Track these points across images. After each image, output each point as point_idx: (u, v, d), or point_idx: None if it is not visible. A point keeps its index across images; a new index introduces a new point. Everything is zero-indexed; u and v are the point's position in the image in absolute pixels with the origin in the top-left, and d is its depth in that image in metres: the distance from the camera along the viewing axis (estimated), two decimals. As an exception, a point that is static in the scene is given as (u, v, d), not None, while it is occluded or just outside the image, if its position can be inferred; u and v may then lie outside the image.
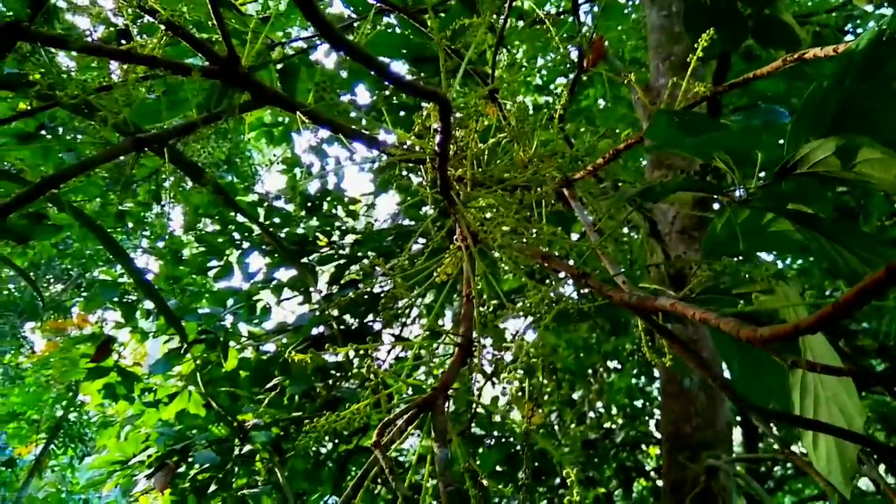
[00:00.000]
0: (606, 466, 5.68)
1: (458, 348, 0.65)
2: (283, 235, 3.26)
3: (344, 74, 3.81)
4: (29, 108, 1.07)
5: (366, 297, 2.99)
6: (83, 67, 0.98)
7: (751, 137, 0.59)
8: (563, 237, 0.83)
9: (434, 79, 2.06)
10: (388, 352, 3.27)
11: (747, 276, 0.69)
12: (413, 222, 3.29)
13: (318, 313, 2.78)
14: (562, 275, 0.84)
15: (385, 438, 0.55)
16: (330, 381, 2.56)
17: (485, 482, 0.72)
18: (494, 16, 1.52)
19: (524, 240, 0.83)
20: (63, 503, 11.13)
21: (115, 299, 2.72)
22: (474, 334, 0.66)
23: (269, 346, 3.28)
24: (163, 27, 0.87)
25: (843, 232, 0.58)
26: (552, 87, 6.05)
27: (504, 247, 0.70)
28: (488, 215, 1.08)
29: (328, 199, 3.32)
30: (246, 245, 3.49)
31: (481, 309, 0.74)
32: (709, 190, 0.73)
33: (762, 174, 0.71)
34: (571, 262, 0.78)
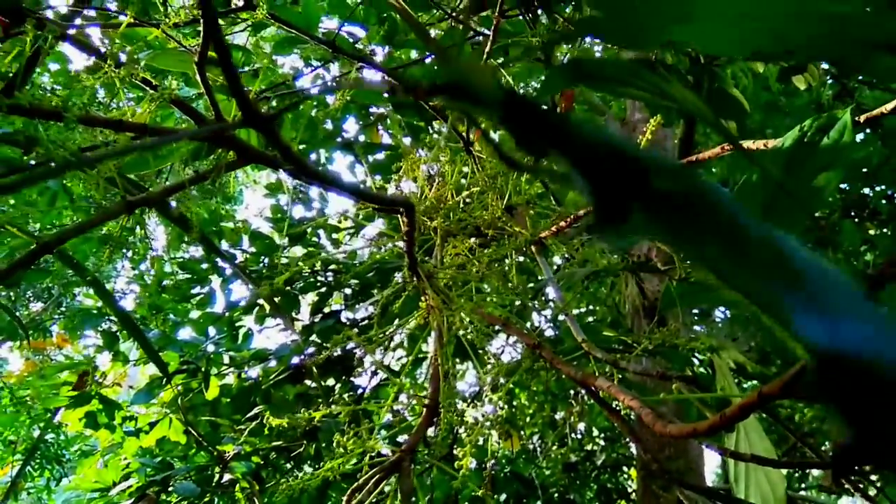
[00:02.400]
0: (588, 489, 5.70)
1: (426, 409, 0.70)
2: (265, 263, 3.30)
3: (331, 99, 3.85)
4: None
5: (348, 323, 3.03)
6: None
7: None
8: (528, 293, 0.88)
9: (415, 118, 2.13)
10: (370, 379, 3.31)
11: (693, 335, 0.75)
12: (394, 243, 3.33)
13: (300, 342, 2.82)
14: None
15: (355, 501, 0.60)
16: (311, 411, 2.59)
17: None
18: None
19: (492, 295, 0.89)
20: (39, 526, 10.93)
21: (99, 328, 2.74)
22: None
23: (251, 373, 3.30)
24: (151, 91, 0.92)
25: None
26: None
27: (469, 315, 0.75)
28: (461, 261, 1.14)
29: (312, 226, 3.37)
30: (229, 271, 3.52)
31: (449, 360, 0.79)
32: (651, 271, 0.80)
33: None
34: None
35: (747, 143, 0.74)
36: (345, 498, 0.60)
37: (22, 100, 0.67)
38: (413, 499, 0.60)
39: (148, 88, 0.88)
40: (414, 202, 1.15)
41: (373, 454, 0.71)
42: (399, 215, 0.96)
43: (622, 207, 0.15)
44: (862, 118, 0.63)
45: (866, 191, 5.38)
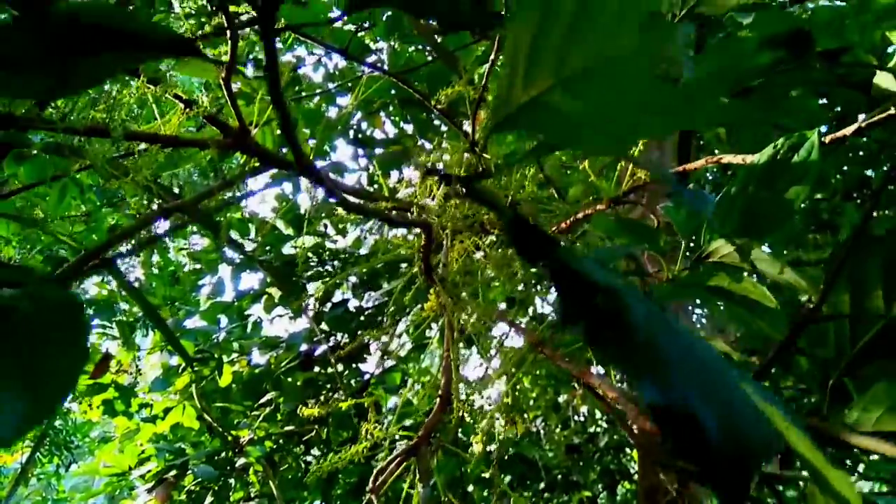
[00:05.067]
0: (591, 470, 5.79)
1: (440, 399, 0.78)
2: (271, 254, 3.38)
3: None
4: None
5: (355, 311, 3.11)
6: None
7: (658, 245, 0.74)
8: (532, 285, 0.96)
9: (421, 115, 2.20)
10: (377, 364, 3.40)
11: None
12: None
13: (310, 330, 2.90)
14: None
15: (379, 482, 0.68)
16: (321, 397, 2.67)
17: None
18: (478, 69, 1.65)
19: (499, 287, 0.96)
20: (49, 511, 11.07)
21: (111, 319, 2.82)
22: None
23: (262, 360, 3.38)
24: (182, 105, 0.99)
25: (749, 302, 0.72)
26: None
27: (478, 315, 0.83)
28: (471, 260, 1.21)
29: (318, 215, 3.44)
30: (237, 260, 3.59)
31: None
32: (640, 275, 0.87)
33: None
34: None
35: (727, 158, 0.81)
36: (371, 479, 0.68)
37: (77, 124, 0.74)
38: (431, 480, 0.68)
39: (179, 103, 0.95)
40: (428, 207, 1.23)
41: (392, 440, 0.79)
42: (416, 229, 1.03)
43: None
44: (827, 139, 0.70)
45: (868, 172, 5.41)
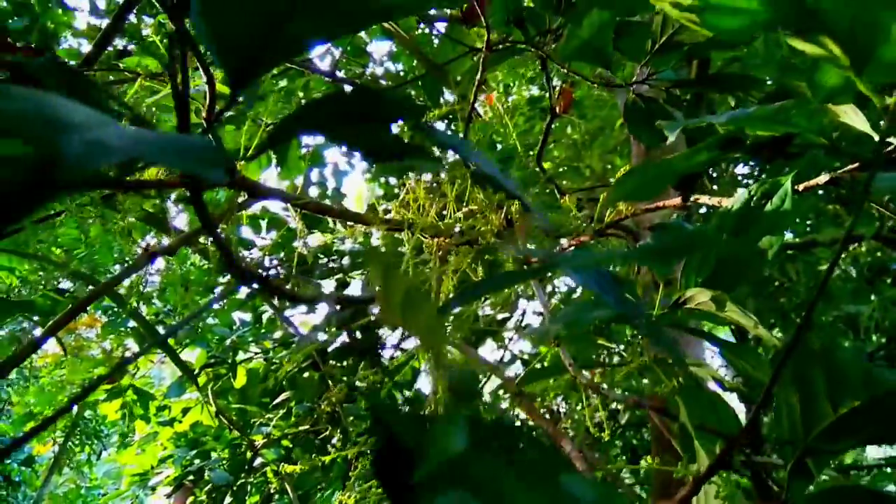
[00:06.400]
0: (612, 447, 5.83)
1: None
2: (282, 252, 3.39)
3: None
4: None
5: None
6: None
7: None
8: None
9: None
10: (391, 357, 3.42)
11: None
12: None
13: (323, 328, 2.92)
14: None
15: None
16: (333, 396, 2.71)
17: None
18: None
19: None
20: (82, 498, 11.37)
21: (127, 327, 2.87)
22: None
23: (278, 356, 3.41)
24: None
25: (733, 345, 0.72)
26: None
27: (460, 359, 0.84)
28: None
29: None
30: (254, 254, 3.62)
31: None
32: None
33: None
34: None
35: (703, 199, 0.80)
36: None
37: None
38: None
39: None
40: (416, 220, 1.23)
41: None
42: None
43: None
44: (801, 187, 0.69)
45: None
